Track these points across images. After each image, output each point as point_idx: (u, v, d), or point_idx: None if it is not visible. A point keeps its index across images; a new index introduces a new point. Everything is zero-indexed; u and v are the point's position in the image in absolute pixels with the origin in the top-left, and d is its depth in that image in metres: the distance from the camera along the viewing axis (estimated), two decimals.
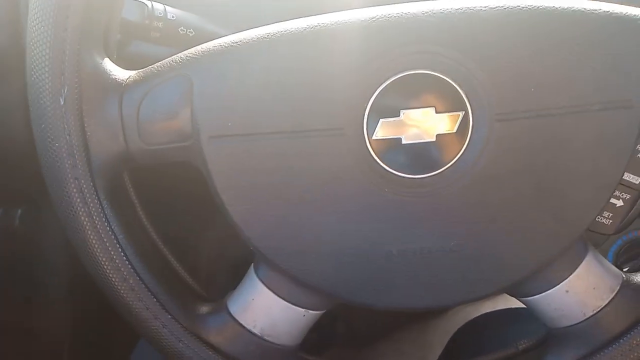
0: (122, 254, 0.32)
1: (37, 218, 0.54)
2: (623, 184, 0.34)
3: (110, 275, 0.32)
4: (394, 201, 0.31)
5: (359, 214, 0.31)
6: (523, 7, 0.30)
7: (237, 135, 0.30)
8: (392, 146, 0.30)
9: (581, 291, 0.33)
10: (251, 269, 0.35)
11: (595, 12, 0.30)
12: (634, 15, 0.30)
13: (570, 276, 0.33)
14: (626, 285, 0.34)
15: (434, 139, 0.30)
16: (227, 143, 0.31)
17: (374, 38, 0.30)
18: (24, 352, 0.55)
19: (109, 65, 0.32)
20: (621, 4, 0.31)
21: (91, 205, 0.31)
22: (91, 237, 0.32)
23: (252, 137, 0.30)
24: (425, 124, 0.30)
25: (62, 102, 0.30)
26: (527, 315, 0.36)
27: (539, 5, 0.30)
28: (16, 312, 0.53)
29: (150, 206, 0.39)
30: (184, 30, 0.42)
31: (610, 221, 0.34)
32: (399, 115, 0.30)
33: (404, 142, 0.30)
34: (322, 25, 0.31)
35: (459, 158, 0.30)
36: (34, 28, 0.30)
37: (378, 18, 0.30)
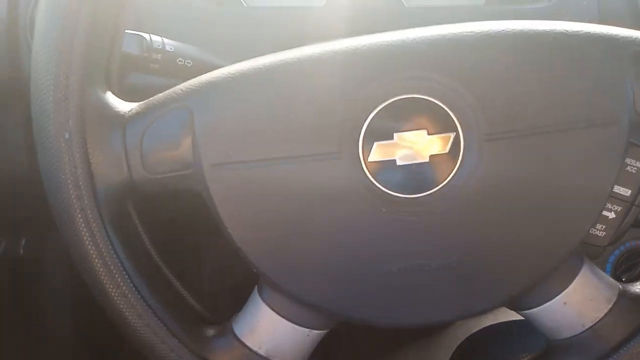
0: (129, 280, 0.33)
1: (42, 246, 0.55)
2: (614, 197, 0.35)
3: (118, 301, 0.33)
4: (392, 220, 0.32)
5: (358, 234, 0.32)
6: (507, 32, 0.31)
7: (238, 163, 0.31)
8: (387, 168, 0.31)
9: (579, 303, 0.34)
10: (255, 292, 0.36)
11: (577, 33, 0.31)
12: (614, 35, 0.32)
13: (568, 288, 0.34)
14: (623, 295, 0.34)
15: (427, 160, 0.31)
16: (228, 170, 0.31)
17: (366, 65, 0.31)
18: None
19: (111, 98, 0.33)
20: (600, 24, 0.33)
21: (97, 234, 0.32)
22: (98, 265, 0.32)
23: (252, 164, 0.31)
24: (418, 145, 0.31)
25: (67, 136, 0.31)
26: (529, 328, 0.37)
27: (522, 29, 0.32)
28: (22, 339, 0.54)
29: (155, 232, 0.40)
30: (182, 61, 0.43)
31: (604, 233, 0.35)
32: (392, 138, 0.31)
33: (398, 163, 0.31)
34: (315, 54, 0.32)
35: (452, 177, 0.31)
36: (38, 64, 0.31)
37: (369, 46, 0.31)
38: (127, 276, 0.33)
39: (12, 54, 0.48)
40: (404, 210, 0.32)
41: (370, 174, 0.31)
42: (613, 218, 0.35)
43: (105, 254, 0.32)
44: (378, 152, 0.31)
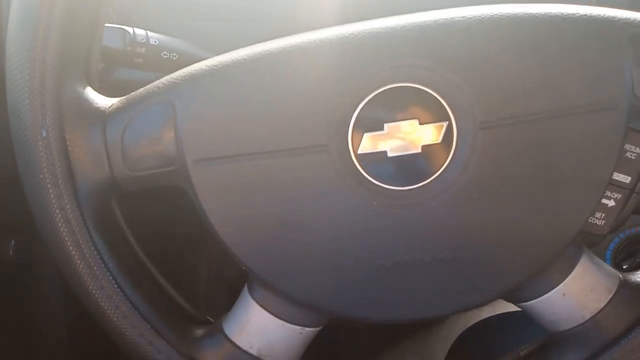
0: (113, 281, 0.32)
1: (32, 247, 0.54)
2: (613, 184, 0.34)
3: (102, 303, 0.32)
4: (384, 214, 0.31)
5: (348, 228, 0.31)
6: (500, 15, 0.30)
7: (222, 158, 0.30)
8: (378, 159, 0.30)
9: (578, 294, 0.33)
10: (245, 289, 0.35)
11: (573, 16, 0.30)
12: (612, 17, 0.31)
13: (566, 279, 0.33)
14: (624, 285, 0.34)
15: (419, 150, 0.30)
16: (213, 165, 0.31)
17: (353, 54, 0.30)
18: None
19: (91, 93, 0.32)
20: (598, 6, 0.32)
21: (79, 234, 0.31)
22: (80, 266, 0.32)
23: (237, 159, 0.30)
24: (409, 135, 0.30)
25: (44, 134, 0.30)
26: (528, 319, 0.36)
27: (515, 12, 0.30)
28: (12, 342, 0.53)
29: (142, 231, 0.39)
30: (167, 55, 0.42)
31: (603, 221, 0.34)
32: (383, 129, 0.30)
33: (389, 155, 0.30)
34: (301, 43, 0.31)
35: (445, 168, 0.30)
36: (12, 60, 0.30)
37: (357, 34, 0.30)
38: (111, 277, 0.32)
39: None
40: (396, 203, 0.31)
41: (361, 166, 0.30)
42: (613, 206, 0.34)
43: (87, 254, 0.31)
44: (368, 144, 0.30)
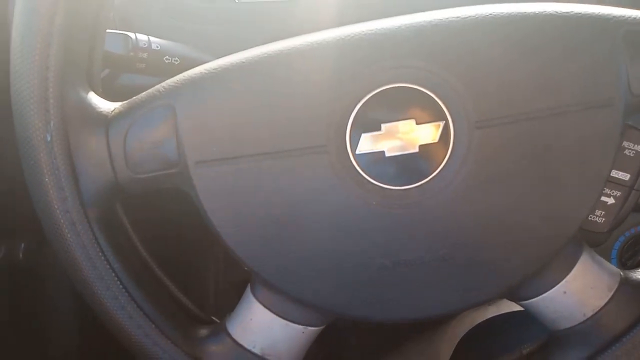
0: (119, 282, 0.33)
1: (41, 250, 0.55)
2: (613, 182, 0.34)
3: (108, 304, 0.33)
4: (383, 214, 0.31)
5: (348, 228, 0.31)
6: (495, 15, 0.30)
7: (223, 159, 0.31)
8: (376, 159, 0.31)
9: (579, 291, 0.33)
10: (248, 289, 0.36)
11: (568, 14, 0.31)
12: (607, 14, 0.31)
13: (567, 277, 0.33)
14: (625, 282, 0.33)
15: (417, 150, 0.30)
16: (213, 167, 0.31)
17: (350, 55, 0.31)
18: None
19: (94, 98, 0.33)
20: (597, 4, 0.32)
21: (84, 236, 0.32)
22: (86, 267, 0.32)
23: (237, 160, 0.31)
24: (407, 135, 0.30)
25: (48, 138, 0.30)
26: (532, 319, 0.36)
27: (510, 12, 0.31)
28: (24, 344, 0.54)
29: (152, 233, 0.39)
30: (169, 59, 0.43)
31: (603, 219, 0.34)
32: (380, 129, 0.30)
33: (387, 154, 0.30)
34: (299, 45, 0.31)
35: (443, 167, 0.30)
36: (17, 67, 0.30)
37: (353, 36, 0.31)
38: (116, 278, 0.33)
39: (3, 56, 0.48)
40: (394, 203, 0.31)
41: (359, 166, 0.31)
42: (612, 204, 0.34)
43: (92, 255, 0.32)
44: (366, 144, 0.30)
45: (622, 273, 0.34)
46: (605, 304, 0.33)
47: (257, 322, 0.35)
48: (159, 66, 0.43)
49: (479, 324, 0.54)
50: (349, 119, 0.30)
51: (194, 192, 0.31)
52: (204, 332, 0.36)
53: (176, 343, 0.34)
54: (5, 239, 0.54)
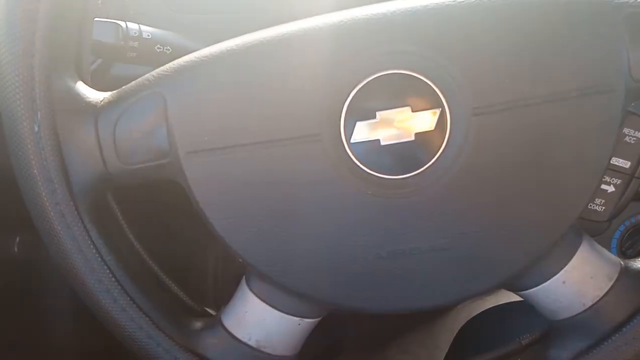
0: (111, 275, 0.32)
1: (36, 243, 0.54)
2: (613, 169, 0.33)
3: (100, 297, 0.32)
4: (378, 203, 0.30)
5: (343, 218, 0.31)
6: (493, 0, 0.30)
7: (214, 149, 0.30)
8: (371, 148, 0.30)
9: (578, 281, 0.33)
10: (243, 281, 0.35)
11: None
12: None
13: (566, 267, 0.32)
14: (625, 272, 0.33)
15: (412, 138, 0.30)
16: (205, 157, 0.30)
17: (343, 42, 0.30)
18: None
19: (82, 88, 0.32)
20: None
21: (75, 229, 0.31)
22: (77, 260, 0.32)
23: (229, 150, 0.30)
24: (402, 123, 0.30)
25: (36, 129, 0.30)
26: (531, 308, 0.35)
27: None
28: (20, 337, 0.54)
29: (150, 226, 0.39)
30: (160, 48, 0.42)
31: (603, 207, 0.34)
32: (375, 117, 0.30)
33: (382, 143, 0.30)
34: (291, 32, 0.30)
35: (439, 155, 0.30)
36: (1, 56, 0.30)
37: (346, 21, 0.30)
38: (108, 270, 0.32)
39: None
40: (390, 192, 0.30)
41: (354, 155, 0.30)
42: (612, 192, 0.33)
43: (84, 248, 0.31)
44: (361, 132, 0.30)
45: (622, 262, 0.34)
46: (605, 294, 0.32)
47: (252, 314, 0.34)
48: (150, 55, 0.42)
49: (478, 314, 0.54)
50: (343, 106, 0.30)
51: (186, 183, 0.31)
52: (198, 324, 0.36)
53: (170, 336, 0.34)
54: (0, 232, 0.53)
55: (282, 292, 0.33)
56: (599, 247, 0.34)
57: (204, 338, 0.35)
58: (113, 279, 0.32)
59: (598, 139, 0.30)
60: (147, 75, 0.32)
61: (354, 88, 0.30)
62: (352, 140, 0.30)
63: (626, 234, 0.53)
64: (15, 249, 0.54)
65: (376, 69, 0.30)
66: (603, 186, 0.33)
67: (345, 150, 0.30)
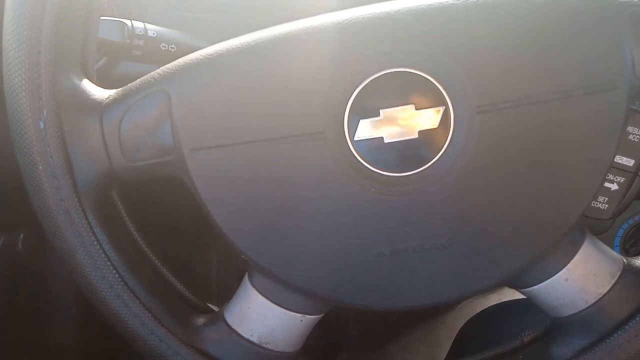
0: (115, 271, 0.33)
1: (40, 240, 0.55)
2: (616, 167, 0.33)
3: (104, 293, 0.33)
4: (381, 201, 0.31)
5: (346, 216, 0.31)
6: None
7: (219, 147, 0.30)
8: (375, 146, 0.30)
9: (581, 279, 0.33)
10: (245, 278, 0.35)
11: None
12: None
13: (569, 264, 0.32)
14: (627, 270, 0.33)
15: (416, 136, 0.30)
16: (209, 155, 0.31)
17: (348, 40, 0.30)
18: None
19: (88, 85, 0.33)
20: None
21: (79, 225, 0.31)
22: (81, 256, 0.32)
23: (234, 147, 0.30)
24: (406, 121, 0.30)
25: (42, 126, 0.30)
26: (533, 306, 0.36)
27: None
28: (24, 334, 0.54)
29: (152, 223, 0.39)
30: (165, 47, 0.42)
31: (607, 205, 0.34)
32: (379, 115, 0.30)
33: (386, 141, 0.30)
34: (295, 31, 0.30)
35: (443, 153, 0.30)
36: (8, 53, 0.30)
37: (351, 20, 0.30)
38: (112, 267, 0.32)
39: None
40: (394, 190, 0.30)
41: (358, 153, 0.30)
42: (616, 190, 0.33)
43: (88, 244, 0.32)
44: (364, 130, 0.30)
45: (625, 260, 0.34)
46: (608, 292, 0.32)
47: (254, 311, 0.34)
48: (155, 53, 0.42)
49: (480, 312, 0.54)
50: (347, 104, 0.30)
51: (190, 179, 0.31)
52: (201, 320, 0.36)
53: (173, 332, 0.34)
54: (5, 229, 0.54)
55: (285, 289, 0.33)
56: (601, 244, 0.34)
57: (206, 334, 0.35)
58: (116, 275, 0.33)
59: (602, 137, 0.30)
60: (152, 73, 0.32)
61: (357, 86, 0.30)
62: (355, 138, 0.30)
63: (629, 232, 0.53)
64: (20, 246, 0.54)
65: (380, 67, 0.30)
66: (606, 184, 0.33)
67: (349, 148, 0.30)
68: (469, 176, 0.30)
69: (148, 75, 0.32)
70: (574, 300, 0.33)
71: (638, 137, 0.32)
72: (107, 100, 0.32)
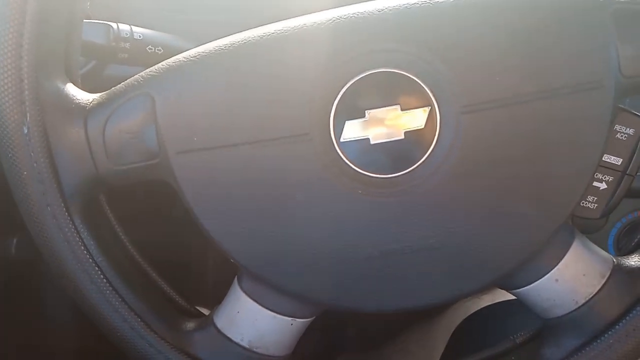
0: (103, 276, 0.32)
1: (33, 245, 0.55)
2: (605, 166, 0.33)
3: (92, 298, 0.32)
4: (369, 202, 0.30)
5: (334, 218, 0.31)
6: None
7: (204, 149, 0.30)
8: (361, 147, 0.30)
9: (571, 279, 0.32)
10: (235, 282, 0.35)
11: None
12: None
13: (558, 264, 0.32)
14: (617, 269, 0.33)
15: (402, 137, 0.30)
16: (194, 157, 0.30)
17: (331, 40, 0.30)
18: None
19: (71, 89, 0.32)
20: None
21: (66, 229, 0.31)
22: (69, 262, 0.32)
23: (219, 150, 0.30)
24: (391, 122, 0.30)
25: (25, 131, 0.30)
26: (527, 307, 0.35)
27: None
28: (17, 338, 0.54)
29: (139, 225, 0.39)
30: (152, 49, 0.42)
31: (596, 205, 0.34)
32: (364, 116, 0.30)
33: (372, 142, 0.30)
34: (278, 32, 0.30)
35: (430, 154, 0.30)
36: None
37: (334, 20, 0.30)
38: (100, 271, 0.32)
39: None
40: (381, 191, 0.30)
41: (343, 154, 0.30)
42: (604, 189, 0.33)
43: (75, 249, 0.32)
44: (350, 131, 0.30)
45: (614, 260, 0.34)
46: (598, 292, 0.32)
47: (244, 315, 0.34)
48: (141, 56, 0.42)
49: (474, 313, 0.54)
50: (332, 106, 0.30)
51: (176, 183, 0.31)
52: (191, 325, 0.36)
53: (163, 336, 0.34)
54: None
55: (274, 292, 0.33)
56: (591, 244, 0.34)
57: (196, 338, 0.35)
58: (105, 280, 0.32)
59: (589, 136, 0.30)
60: (135, 77, 0.32)
61: (342, 87, 0.30)
62: (341, 139, 0.30)
63: (623, 231, 0.53)
64: (13, 250, 0.54)
65: (365, 68, 0.30)
66: (595, 183, 0.33)
67: (335, 150, 0.30)
68: (456, 177, 0.30)
69: (132, 78, 0.32)
70: (565, 301, 0.33)
71: (626, 135, 0.32)
72: (91, 104, 0.32)
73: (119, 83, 0.33)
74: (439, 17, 0.30)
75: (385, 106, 0.30)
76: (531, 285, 0.33)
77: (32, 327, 0.56)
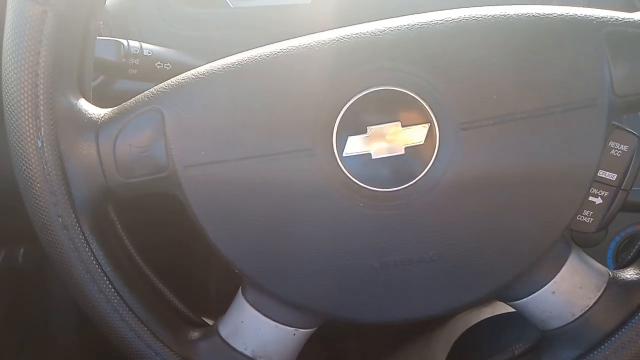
0: (111, 285, 0.33)
1: (40, 254, 0.55)
2: (600, 182, 0.34)
3: (100, 307, 0.33)
4: (370, 215, 0.31)
5: (336, 230, 0.32)
6: (478, 18, 0.31)
7: (211, 163, 0.31)
8: (363, 162, 0.31)
9: (567, 291, 0.33)
10: (239, 292, 0.36)
11: (550, 16, 0.31)
12: (589, 16, 0.31)
13: (555, 277, 0.33)
14: (613, 282, 0.33)
15: (402, 152, 0.31)
16: (202, 171, 0.31)
17: (335, 59, 0.31)
18: None
19: (84, 104, 0.34)
20: (586, 6, 0.32)
21: (76, 240, 0.32)
22: (78, 271, 0.33)
23: (225, 164, 0.31)
24: (392, 138, 0.31)
25: (39, 144, 0.31)
26: (526, 319, 0.36)
27: (493, 14, 0.31)
28: (24, 347, 0.54)
29: (150, 237, 0.40)
30: (160, 65, 0.43)
31: (592, 219, 0.34)
32: (366, 132, 0.31)
33: (373, 157, 0.31)
34: (284, 49, 0.31)
35: (429, 169, 0.31)
36: (8, 74, 0.31)
37: (337, 40, 0.31)
38: (108, 281, 0.33)
39: None
40: (381, 205, 0.31)
41: (346, 168, 0.31)
42: (600, 204, 0.34)
43: (85, 259, 0.32)
44: (352, 146, 0.31)
45: (610, 273, 0.34)
46: (594, 304, 0.33)
47: (248, 324, 0.35)
48: (150, 72, 0.43)
49: (474, 325, 0.54)
50: (335, 121, 0.31)
51: (183, 195, 0.32)
52: (195, 334, 0.36)
53: (168, 345, 0.34)
54: (4, 243, 0.54)
55: (277, 303, 0.34)
56: (587, 257, 0.35)
57: (201, 347, 0.35)
58: (113, 289, 0.33)
59: (584, 153, 0.31)
60: (146, 92, 0.33)
61: (345, 104, 0.31)
62: (344, 154, 0.31)
63: (622, 244, 0.53)
64: (20, 260, 0.54)
65: (367, 86, 0.31)
66: (591, 198, 0.34)
67: (338, 164, 0.31)
68: (454, 191, 0.31)
69: (142, 94, 0.33)
70: (561, 313, 0.33)
71: (620, 152, 0.33)
72: (102, 119, 0.33)
73: (127, 97, 0.34)
74: (438, 37, 0.31)
75: (386, 122, 0.31)
76: (529, 297, 0.33)
77: (38, 336, 0.56)
